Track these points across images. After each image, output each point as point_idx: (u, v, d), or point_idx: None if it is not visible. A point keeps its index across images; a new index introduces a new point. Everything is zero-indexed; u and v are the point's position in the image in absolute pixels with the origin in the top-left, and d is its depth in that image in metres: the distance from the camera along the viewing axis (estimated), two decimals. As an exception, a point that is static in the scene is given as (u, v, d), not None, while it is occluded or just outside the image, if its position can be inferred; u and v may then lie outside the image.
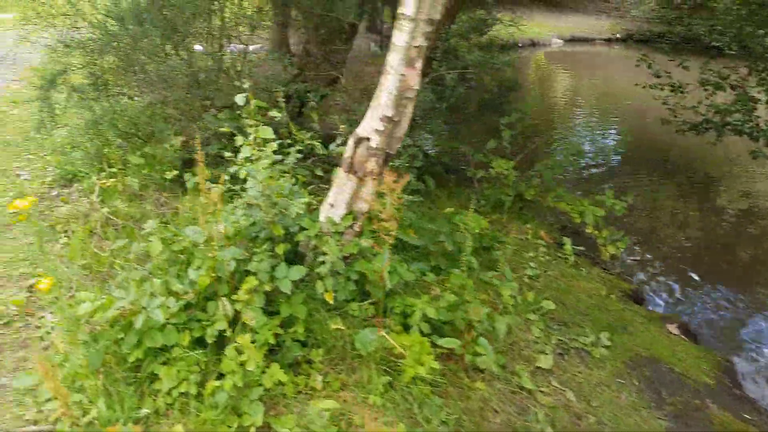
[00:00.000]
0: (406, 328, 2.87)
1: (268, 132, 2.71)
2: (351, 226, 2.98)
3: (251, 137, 2.75)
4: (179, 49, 4.38)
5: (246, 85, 2.71)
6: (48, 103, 4.51)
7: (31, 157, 4.72)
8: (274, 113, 2.81)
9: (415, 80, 2.74)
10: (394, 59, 2.69)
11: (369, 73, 4.54)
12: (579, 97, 10.34)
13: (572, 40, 14.72)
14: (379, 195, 2.63)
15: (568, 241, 4.07)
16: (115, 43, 4.42)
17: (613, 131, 8.66)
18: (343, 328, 2.76)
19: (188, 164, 4.30)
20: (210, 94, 4.47)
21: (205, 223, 2.68)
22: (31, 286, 3.08)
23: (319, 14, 4.28)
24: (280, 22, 6.10)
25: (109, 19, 4.37)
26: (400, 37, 2.65)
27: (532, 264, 3.81)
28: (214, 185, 2.57)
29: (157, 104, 4.51)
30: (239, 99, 2.64)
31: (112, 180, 3.99)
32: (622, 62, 12.97)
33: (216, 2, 4.48)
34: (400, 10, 2.63)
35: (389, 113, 2.76)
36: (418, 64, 2.72)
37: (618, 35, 15.29)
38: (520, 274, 3.72)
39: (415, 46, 2.67)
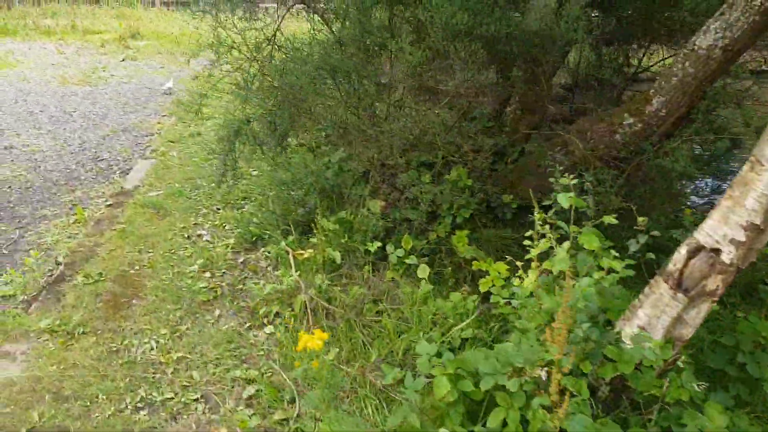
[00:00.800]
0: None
1: (594, 241, 2.04)
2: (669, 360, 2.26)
3: (565, 244, 2.09)
4: (380, 100, 3.85)
5: (568, 181, 2.05)
6: (232, 155, 4.11)
7: (205, 211, 4.33)
8: (610, 219, 2.14)
9: (800, 178, 2.00)
10: (775, 150, 1.96)
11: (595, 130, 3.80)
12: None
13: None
14: None
15: None
16: (303, 91, 3.96)
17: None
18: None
19: (389, 233, 3.74)
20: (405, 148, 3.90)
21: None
22: (250, 398, 2.56)
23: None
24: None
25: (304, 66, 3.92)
26: (794, 121, 1.92)
27: None
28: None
29: (349, 160, 3.99)
30: (562, 200, 1.99)
31: (309, 251, 3.48)
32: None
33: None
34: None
35: (756, 220, 2.02)
36: (811, 157, 1.97)
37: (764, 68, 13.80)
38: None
39: (814, 134, 1.93)
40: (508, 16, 3.24)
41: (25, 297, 3.16)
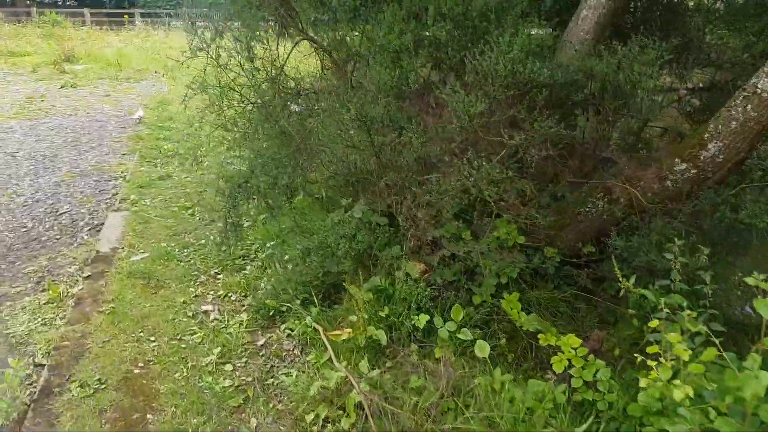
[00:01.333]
0: None
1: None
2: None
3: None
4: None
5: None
6: (235, 212, 3.55)
7: (203, 278, 3.71)
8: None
9: None
10: None
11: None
12: None
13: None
14: None
15: None
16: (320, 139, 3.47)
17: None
18: None
19: (432, 301, 3.29)
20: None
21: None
22: None
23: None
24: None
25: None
26: None
27: None
28: None
29: (373, 213, 3.52)
30: (763, 309, 1.61)
31: (348, 330, 2.98)
32: None
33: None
34: None
35: None
36: None
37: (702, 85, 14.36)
38: None
39: None
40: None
41: (7, 423, 2.47)
